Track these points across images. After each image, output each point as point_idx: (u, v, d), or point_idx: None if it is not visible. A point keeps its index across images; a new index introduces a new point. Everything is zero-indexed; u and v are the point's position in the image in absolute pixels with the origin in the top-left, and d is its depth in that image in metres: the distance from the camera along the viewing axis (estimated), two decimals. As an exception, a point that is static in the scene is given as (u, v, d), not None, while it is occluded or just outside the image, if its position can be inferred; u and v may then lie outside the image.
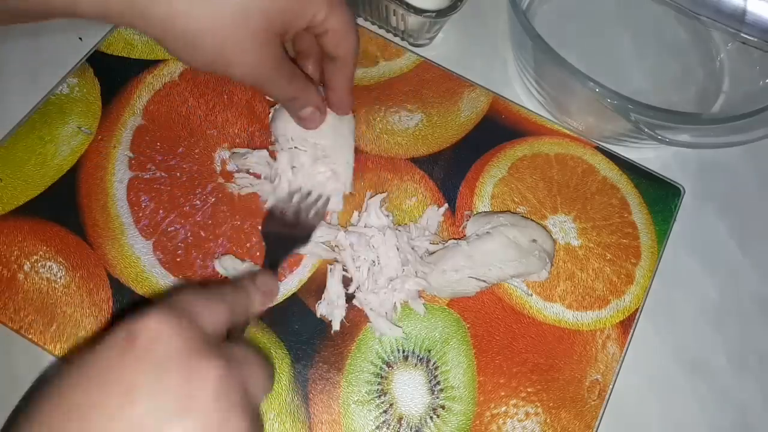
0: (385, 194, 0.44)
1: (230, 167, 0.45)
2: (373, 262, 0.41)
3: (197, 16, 0.30)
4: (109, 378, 0.22)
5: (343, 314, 0.40)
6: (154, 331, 0.23)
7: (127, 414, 0.21)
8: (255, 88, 0.36)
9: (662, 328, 0.43)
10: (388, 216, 0.43)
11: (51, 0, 0.29)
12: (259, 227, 0.43)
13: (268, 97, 0.47)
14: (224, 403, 0.22)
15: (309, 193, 0.42)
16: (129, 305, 0.40)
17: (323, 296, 0.41)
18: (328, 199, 0.43)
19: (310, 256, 0.42)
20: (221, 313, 0.27)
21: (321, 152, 0.42)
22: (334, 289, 0.41)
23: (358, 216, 0.43)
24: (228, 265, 0.41)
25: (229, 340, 0.28)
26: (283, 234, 0.41)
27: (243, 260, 0.42)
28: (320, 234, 0.41)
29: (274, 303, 0.41)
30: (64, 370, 0.22)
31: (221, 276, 0.41)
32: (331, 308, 0.41)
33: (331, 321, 0.40)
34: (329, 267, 0.41)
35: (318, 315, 0.41)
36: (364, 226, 0.42)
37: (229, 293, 0.29)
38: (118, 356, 0.22)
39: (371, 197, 0.44)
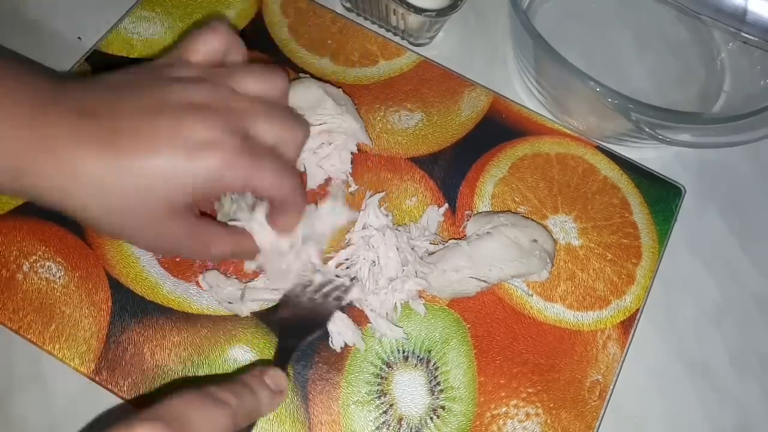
0: (383, 193, 0.44)
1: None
2: (373, 262, 0.40)
3: (88, 200, 0.28)
4: None
5: (360, 333, 0.40)
6: None
7: None
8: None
9: (663, 329, 0.43)
10: (387, 216, 0.43)
11: None
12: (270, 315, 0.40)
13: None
14: None
15: (329, 281, 0.39)
16: (131, 307, 0.40)
17: (329, 329, 0.39)
18: (348, 288, 0.39)
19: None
20: (221, 420, 0.25)
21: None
22: (336, 319, 0.39)
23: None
24: (212, 281, 0.40)
25: None
26: (298, 320, 0.38)
27: (228, 276, 0.40)
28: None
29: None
30: None
31: (205, 288, 0.40)
32: (345, 335, 0.39)
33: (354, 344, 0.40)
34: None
35: (338, 349, 0.39)
36: (363, 226, 0.42)
37: (233, 395, 0.27)
38: None
39: (370, 196, 0.44)
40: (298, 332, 0.37)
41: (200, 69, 0.31)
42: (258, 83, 0.32)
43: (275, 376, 0.32)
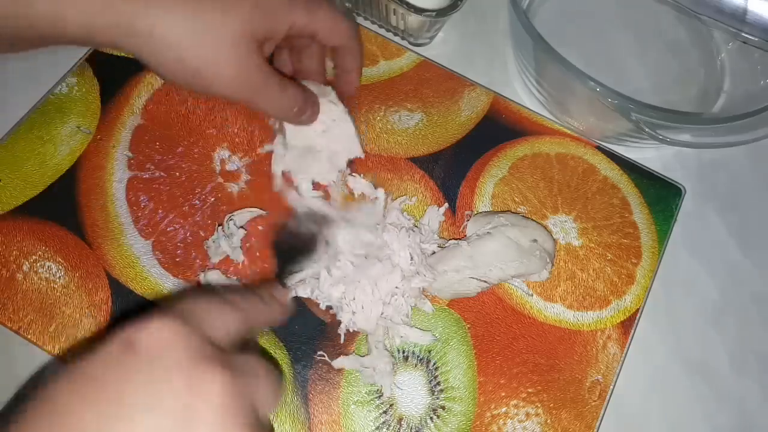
0: (405, 197, 0.44)
1: (229, 167, 0.45)
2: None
3: (178, 32, 0.31)
4: (103, 393, 0.20)
5: (394, 380, 0.39)
6: (155, 338, 0.21)
7: None
8: (247, 105, 0.36)
9: (663, 329, 0.43)
10: (409, 219, 0.43)
11: (37, 23, 0.29)
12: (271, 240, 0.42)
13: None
14: (229, 417, 0.21)
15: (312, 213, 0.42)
16: (131, 307, 0.40)
17: (367, 366, 0.39)
18: (328, 222, 0.42)
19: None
20: (234, 321, 0.26)
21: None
22: (379, 360, 0.39)
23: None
24: (213, 280, 0.40)
25: (242, 350, 0.26)
26: (292, 245, 0.40)
27: (229, 277, 0.40)
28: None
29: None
30: (57, 381, 0.21)
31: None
32: (380, 377, 0.39)
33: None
34: (370, 347, 0.39)
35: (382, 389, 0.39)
36: (388, 224, 0.42)
37: (245, 301, 0.28)
38: (114, 368, 0.21)
39: (391, 200, 0.44)
40: (294, 257, 0.40)
41: None
42: None
43: (281, 291, 0.35)
